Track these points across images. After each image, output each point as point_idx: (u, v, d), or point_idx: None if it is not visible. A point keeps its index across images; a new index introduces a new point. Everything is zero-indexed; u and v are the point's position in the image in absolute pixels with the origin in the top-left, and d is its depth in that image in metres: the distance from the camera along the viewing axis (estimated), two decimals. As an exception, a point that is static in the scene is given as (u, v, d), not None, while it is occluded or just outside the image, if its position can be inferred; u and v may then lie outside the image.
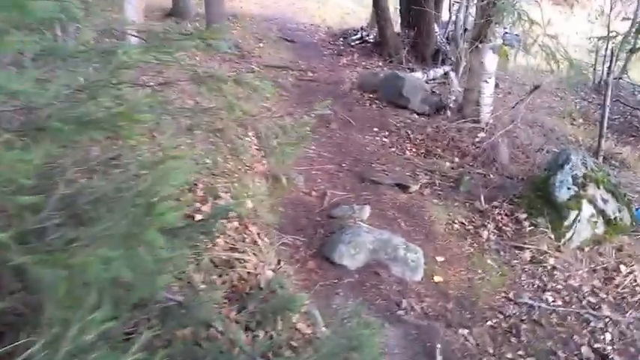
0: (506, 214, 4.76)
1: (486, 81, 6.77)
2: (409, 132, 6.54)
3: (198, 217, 3.90)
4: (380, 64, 9.44)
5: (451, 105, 7.23)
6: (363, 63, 9.55)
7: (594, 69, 9.88)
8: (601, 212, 4.63)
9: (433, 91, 7.72)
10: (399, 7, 10.76)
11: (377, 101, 7.52)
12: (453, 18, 10.54)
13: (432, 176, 5.42)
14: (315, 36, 11.61)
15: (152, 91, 2.74)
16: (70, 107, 1.84)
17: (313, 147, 5.92)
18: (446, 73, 9.05)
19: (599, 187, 4.72)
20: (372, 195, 4.96)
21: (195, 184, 4.26)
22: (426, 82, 8.56)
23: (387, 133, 6.50)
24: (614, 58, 6.46)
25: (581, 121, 8.03)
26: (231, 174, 4.52)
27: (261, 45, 9.88)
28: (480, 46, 6.64)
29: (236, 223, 4.01)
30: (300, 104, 7.28)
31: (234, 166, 4.65)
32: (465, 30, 9.35)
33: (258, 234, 3.93)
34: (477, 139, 6.42)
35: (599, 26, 9.57)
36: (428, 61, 9.40)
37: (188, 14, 10.16)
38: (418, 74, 8.67)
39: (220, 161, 4.55)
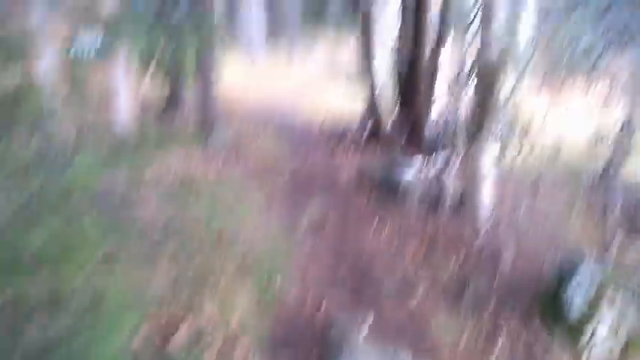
0: (516, 331, 4.34)
1: (484, 176, 6.54)
2: (408, 232, 6.21)
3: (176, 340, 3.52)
4: (376, 155, 9.27)
5: (450, 202, 6.95)
6: (360, 154, 9.38)
7: (593, 160, 9.71)
8: (618, 329, 4.23)
9: (431, 185, 7.47)
10: (394, 99, 10.77)
11: (374, 195, 7.26)
12: (448, 108, 10.54)
13: (435, 284, 5.03)
14: (311, 130, 11.55)
15: (113, 210, 2.44)
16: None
17: (307, 252, 5.58)
18: (443, 165, 8.86)
19: (614, 301, 4.34)
20: (372, 306, 4.55)
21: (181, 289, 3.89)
22: (423, 173, 8.35)
23: (385, 234, 6.17)
24: (619, 151, 6.24)
25: (583, 216, 7.72)
26: (216, 283, 4.14)
27: (258, 140, 9.75)
28: (475, 140, 6.47)
29: (219, 344, 3.60)
30: (297, 198, 7.02)
31: (219, 274, 4.29)
32: (460, 120, 9.29)
33: None
34: (479, 240, 6.09)
35: (599, 117, 9.47)
36: (424, 152, 9.23)
37: (183, 108, 10.09)
38: (414, 165, 8.47)
39: (203, 270, 4.20)
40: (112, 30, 5.09)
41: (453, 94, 9.71)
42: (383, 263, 5.38)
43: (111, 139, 3.12)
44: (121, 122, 7.07)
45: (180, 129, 8.84)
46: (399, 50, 10.55)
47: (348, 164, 8.82)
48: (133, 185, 2.68)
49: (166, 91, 10.37)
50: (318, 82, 19.25)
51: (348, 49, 24.82)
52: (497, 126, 6.42)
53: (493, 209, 6.59)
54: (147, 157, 2.70)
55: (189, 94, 9.76)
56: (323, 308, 4.35)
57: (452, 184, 7.58)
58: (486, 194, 6.56)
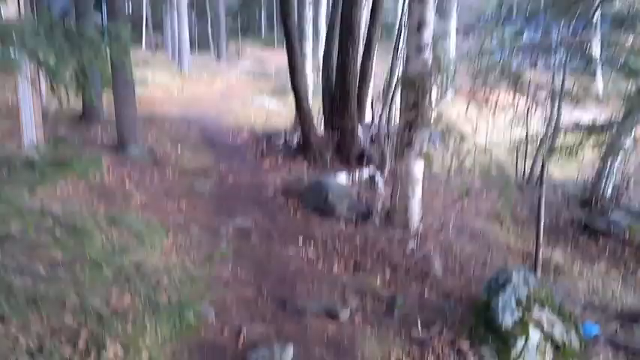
0: (447, 344, 4.15)
1: (414, 187, 6.41)
2: (336, 243, 5.95)
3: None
4: (304, 167, 9.01)
5: (379, 211, 6.77)
6: (287, 166, 9.09)
7: (516, 167, 9.90)
8: (549, 337, 4.13)
9: (360, 197, 7.28)
10: (321, 108, 10.57)
11: (301, 208, 6.97)
12: (376, 120, 10.46)
13: (363, 298, 4.78)
14: (238, 138, 11.16)
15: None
16: None
17: (230, 266, 5.21)
18: (372, 176, 8.74)
19: (544, 308, 4.25)
20: (296, 327, 4.23)
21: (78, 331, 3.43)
22: (351, 185, 8.18)
23: (312, 246, 5.89)
24: (545, 162, 6.27)
25: (509, 222, 7.78)
26: (125, 313, 3.70)
27: (179, 148, 9.27)
28: (405, 151, 6.34)
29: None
30: (218, 213, 6.64)
31: (129, 302, 3.84)
32: (388, 132, 9.20)
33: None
34: (408, 250, 5.93)
35: (519, 126, 9.66)
36: (353, 163, 9.07)
37: (99, 118, 9.48)
38: (343, 177, 8.28)
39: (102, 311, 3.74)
40: (6, 40, 4.54)
41: (382, 104, 9.64)
42: (310, 280, 5.08)
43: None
44: (26, 138, 6.46)
45: (90, 144, 8.24)
46: (326, 61, 10.39)
47: (275, 176, 8.51)
48: (10, 218, 2.23)
49: (81, 104, 9.72)
50: (246, 91, 18.90)
51: (276, 60, 24.67)
52: (426, 135, 6.33)
53: (423, 218, 6.48)
54: (36, 181, 2.28)
55: (105, 106, 9.19)
56: (243, 338, 3.98)
57: (381, 194, 7.44)
58: (416, 204, 6.44)
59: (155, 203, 6.48)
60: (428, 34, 6.24)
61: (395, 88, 9.01)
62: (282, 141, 10.32)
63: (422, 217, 6.46)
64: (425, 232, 6.29)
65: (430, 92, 6.35)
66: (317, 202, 6.82)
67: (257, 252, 5.66)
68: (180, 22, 22.78)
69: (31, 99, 6.29)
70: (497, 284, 4.38)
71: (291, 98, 10.45)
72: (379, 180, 8.35)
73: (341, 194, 6.85)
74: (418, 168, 6.39)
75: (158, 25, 29.69)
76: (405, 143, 6.33)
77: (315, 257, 5.66)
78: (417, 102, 6.23)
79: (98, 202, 6.03)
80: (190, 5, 27.08)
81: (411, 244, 6.03)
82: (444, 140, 7.14)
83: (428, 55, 6.26)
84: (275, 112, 15.24)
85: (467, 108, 6.43)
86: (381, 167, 8.84)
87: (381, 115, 9.38)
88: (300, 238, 6.02)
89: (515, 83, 8.44)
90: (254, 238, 5.96)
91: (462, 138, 5.73)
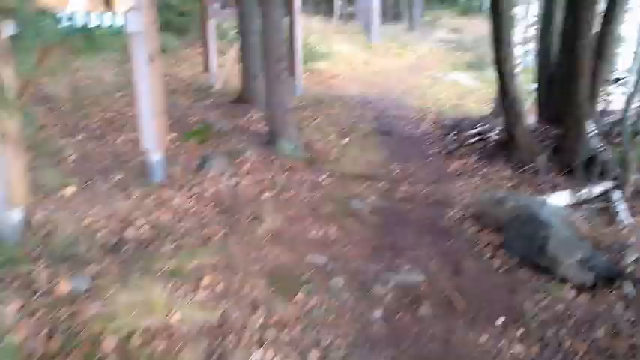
0: None
1: None
2: (562, 333, 3.44)
3: None
4: (507, 174, 6.41)
5: (631, 269, 4.04)
6: (483, 171, 6.56)
7: None
8: None
9: (595, 240, 4.54)
10: (535, 93, 7.75)
11: (502, 252, 4.51)
12: (613, 107, 7.36)
13: None
14: (420, 126, 8.84)
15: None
16: None
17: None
18: (605, 193, 5.87)
19: None
20: None
21: None
22: (575, 209, 5.44)
23: (520, 333, 3.44)
24: None
25: None
26: None
27: (344, 142, 7.30)
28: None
29: None
30: (377, 253, 4.48)
31: None
32: (637, 132, 6.14)
33: None
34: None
35: None
36: (578, 174, 6.22)
37: (257, 101, 7.96)
38: (564, 196, 5.59)
39: None
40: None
41: (630, 89, 6.56)
42: None
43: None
44: (145, 137, 5.02)
45: (239, 133, 6.74)
46: (545, 26, 7.52)
47: (464, 186, 6.11)
48: None
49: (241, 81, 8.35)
50: (438, 65, 16.32)
51: (473, 30, 21.44)
52: None
53: None
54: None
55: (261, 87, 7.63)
56: None
57: (632, 238, 4.61)
58: None
59: (293, 229, 4.59)
60: None
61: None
62: (476, 134, 7.75)
63: None
64: None
65: None
66: (527, 247, 4.29)
67: (428, 338, 3.42)
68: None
69: (149, 80, 4.72)
70: None
71: (489, 73, 7.85)
72: (619, 205, 5.46)
73: (570, 240, 4.20)
74: None
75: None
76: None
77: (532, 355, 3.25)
78: None
79: (217, 224, 4.33)
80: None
81: None
82: None
83: None
84: (469, 90, 12.52)
85: None
86: (621, 183, 5.90)
87: (627, 105, 6.28)
88: (501, 315, 3.63)
89: None
90: (425, 308, 3.71)
91: None
